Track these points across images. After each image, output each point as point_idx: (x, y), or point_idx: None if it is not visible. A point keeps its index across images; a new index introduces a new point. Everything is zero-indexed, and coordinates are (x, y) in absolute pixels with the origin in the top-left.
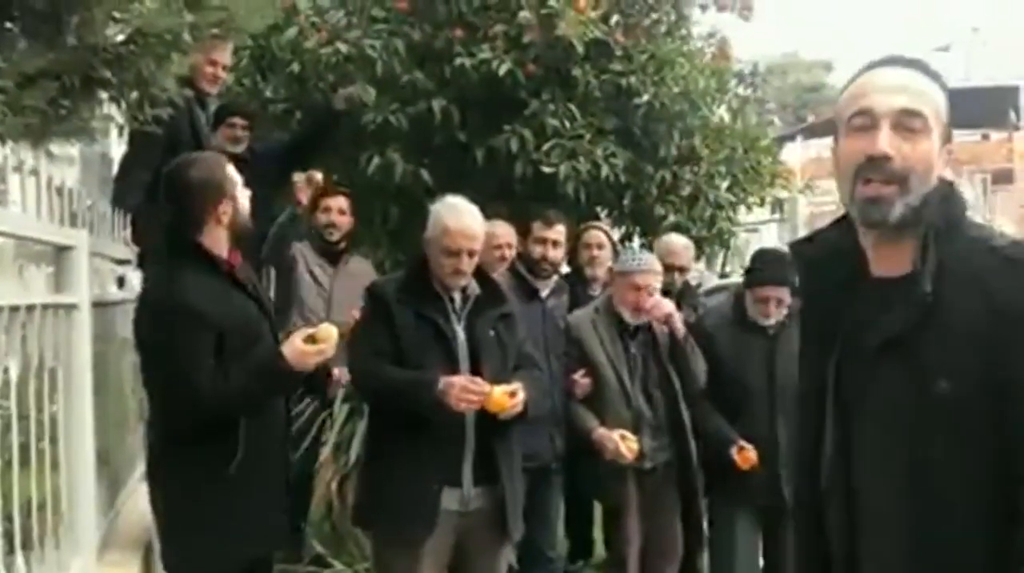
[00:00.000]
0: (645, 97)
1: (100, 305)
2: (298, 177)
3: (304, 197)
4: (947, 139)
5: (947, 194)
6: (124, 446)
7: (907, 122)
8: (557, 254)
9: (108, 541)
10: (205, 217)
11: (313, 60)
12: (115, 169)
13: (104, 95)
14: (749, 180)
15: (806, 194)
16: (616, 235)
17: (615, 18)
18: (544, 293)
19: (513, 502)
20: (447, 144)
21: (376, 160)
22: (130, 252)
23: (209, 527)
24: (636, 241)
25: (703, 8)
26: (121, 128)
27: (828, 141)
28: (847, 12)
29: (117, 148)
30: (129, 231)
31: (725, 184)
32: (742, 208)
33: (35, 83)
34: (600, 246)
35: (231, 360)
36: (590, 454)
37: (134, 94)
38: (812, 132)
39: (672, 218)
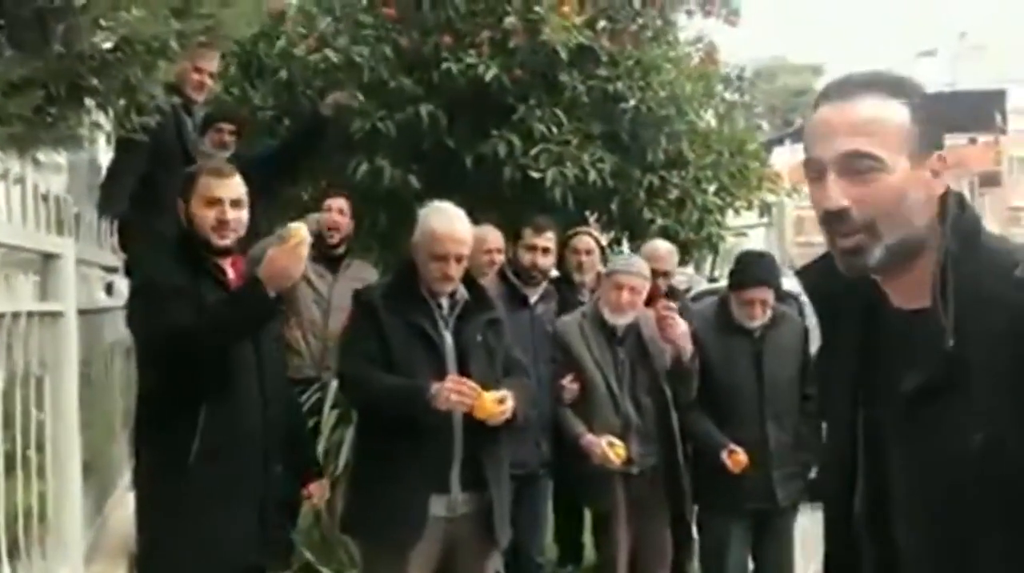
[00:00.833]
0: (632, 102)
1: (87, 313)
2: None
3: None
4: (931, 148)
5: (956, 214)
6: (111, 454)
7: (854, 165)
8: (547, 261)
9: (94, 550)
10: None
11: (301, 67)
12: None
13: (91, 102)
14: (737, 184)
15: (793, 197)
16: (604, 240)
17: (601, 23)
18: (533, 299)
19: (500, 508)
20: (435, 150)
21: (365, 166)
22: (117, 259)
23: (180, 537)
24: (625, 246)
25: (689, 14)
26: (109, 135)
27: None
28: (836, 16)
29: (106, 155)
30: (116, 238)
31: (713, 188)
32: (730, 212)
33: (21, 91)
34: (588, 251)
35: None
36: (578, 459)
37: (121, 101)
38: (800, 136)
39: (660, 222)
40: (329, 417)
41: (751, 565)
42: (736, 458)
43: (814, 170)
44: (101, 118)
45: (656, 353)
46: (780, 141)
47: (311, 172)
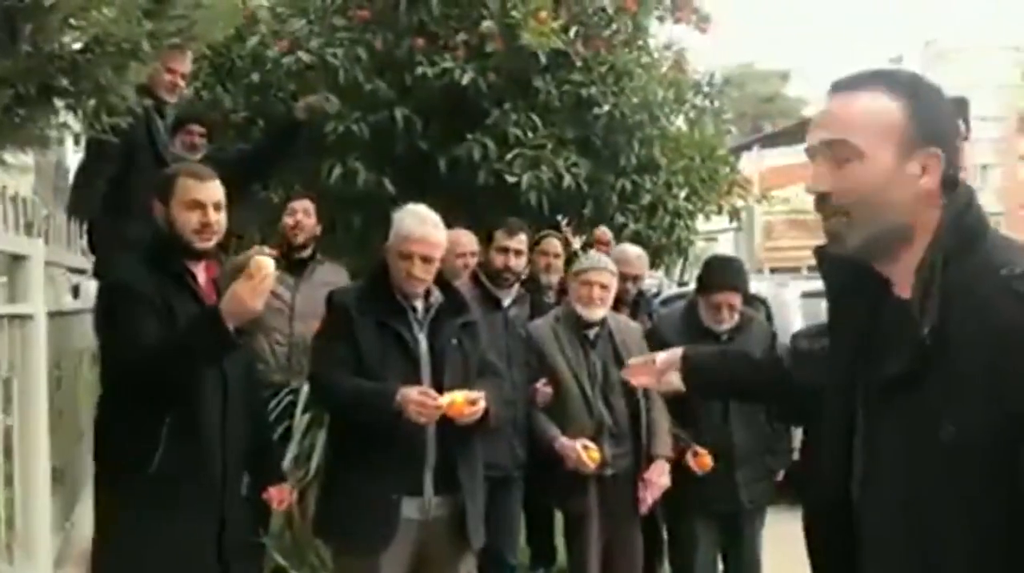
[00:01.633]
0: (605, 107)
1: (56, 315)
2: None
3: None
4: (925, 145)
5: (961, 211)
6: (79, 460)
7: (833, 153)
8: (519, 263)
9: (62, 557)
10: None
11: (274, 69)
12: (71, 178)
13: (61, 103)
14: (707, 189)
15: (763, 203)
16: (577, 244)
17: (575, 29)
18: (506, 302)
19: (474, 511)
20: (409, 153)
21: (338, 169)
22: (86, 261)
23: (138, 543)
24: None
25: (661, 20)
26: (77, 136)
27: (785, 150)
28: (804, 23)
29: (73, 157)
30: (86, 240)
31: (683, 193)
32: (700, 217)
33: None
34: (556, 254)
35: None
36: (552, 462)
37: (91, 102)
38: (769, 142)
39: (632, 226)
40: (301, 420)
41: (721, 566)
42: (701, 460)
43: (808, 155)
44: (70, 119)
45: (627, 356)
46: (749, 147)
47: (282, 175)
